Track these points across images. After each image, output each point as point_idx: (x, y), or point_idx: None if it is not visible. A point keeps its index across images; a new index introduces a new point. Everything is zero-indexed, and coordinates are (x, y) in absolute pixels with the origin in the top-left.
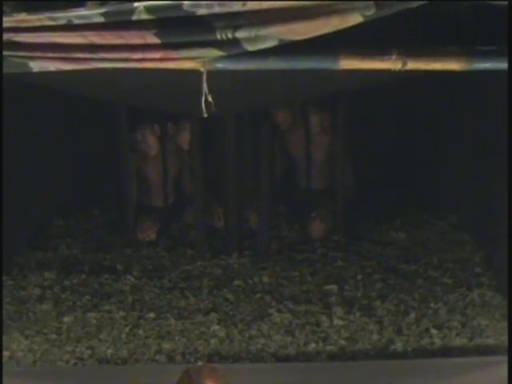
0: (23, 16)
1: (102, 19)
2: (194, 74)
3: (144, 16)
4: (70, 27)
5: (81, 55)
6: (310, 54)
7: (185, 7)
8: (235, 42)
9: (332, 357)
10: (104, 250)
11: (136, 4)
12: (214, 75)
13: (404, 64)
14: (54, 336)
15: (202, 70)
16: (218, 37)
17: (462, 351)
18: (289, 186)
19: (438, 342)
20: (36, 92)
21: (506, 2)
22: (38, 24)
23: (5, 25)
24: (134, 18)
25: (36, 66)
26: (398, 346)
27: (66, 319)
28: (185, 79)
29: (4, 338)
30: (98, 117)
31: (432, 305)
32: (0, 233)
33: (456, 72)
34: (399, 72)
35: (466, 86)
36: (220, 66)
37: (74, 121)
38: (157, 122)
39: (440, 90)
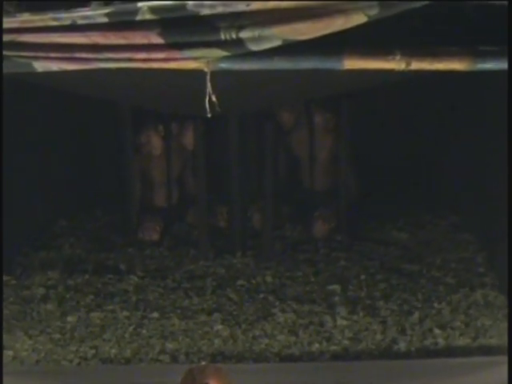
0: (27, 16)
1: (105, 19)
2: (198, 74)
3: (148, 16)
4: (73, 28)
5: (84, 55)
6: (314, 54)
7: (189, 7)
8: (239, 42)
9: (336, 357)
10: (107, 249)
11: (140, 4)
12: (217, 75)
13: (408, 64)
14: (57, 335)
15: (206, 70)
16: (222, 37)
17: (466, 351)
18: (292, 185)
19: (441, 341)
20: (40, 92)
21: (506, 2)
22: (41, 24)
23: (8, 25)
24: (138, 18)
25: (40, 66)
26: (402, 345)
27: (69, 319)
28: (189, 79)
29: (8, 337)
30: (102, 117)
31: (435, 305)
32: (0, 232)
33: (459, 72)
34: (403, 72)
35: (468, 87)
36: (224, 65)
37: (77, 121)
38: (161, 121)
39: (443, 91)
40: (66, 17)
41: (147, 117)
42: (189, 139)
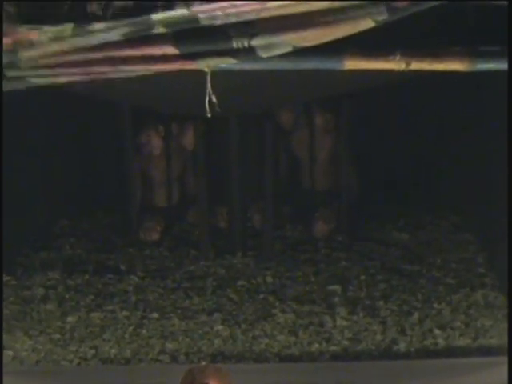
0: (46, 43)
1: (121, 38)
2: (198, 74)
3: (161, 29)
4: (89, 48)
5: (100, 69)
6: (315, 55)
7: (201, 21)
8: (250, 49)
9: (335, 357)
10: (108, 250)
11: (153, 17)
12: (218, 75)
13: (408, 64)
14: (57, 336)
15: (206, 70)
16: (234, 45)
17: (466, 351)
18: (292, 186)
19: (441, 342)
20: (40, 93)
21: (505, 2)
22: (57, 49)
23: (28, 54)
24: (154, 32)
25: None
26: (402, 346)
27: (69, 319)
28: (189, 80)
29: (8, 337)
30: (103, 117)
31: (435, 305)
32: (0, 232)
33: (459, 72)
34: (403, 72)
35: (468, 88)
36: (224, 66)
37: (78, 122)
38: (161, 122)
39: (443, 92)
40: (83, 40)
41: (147, 117)
42: (189, 139)
